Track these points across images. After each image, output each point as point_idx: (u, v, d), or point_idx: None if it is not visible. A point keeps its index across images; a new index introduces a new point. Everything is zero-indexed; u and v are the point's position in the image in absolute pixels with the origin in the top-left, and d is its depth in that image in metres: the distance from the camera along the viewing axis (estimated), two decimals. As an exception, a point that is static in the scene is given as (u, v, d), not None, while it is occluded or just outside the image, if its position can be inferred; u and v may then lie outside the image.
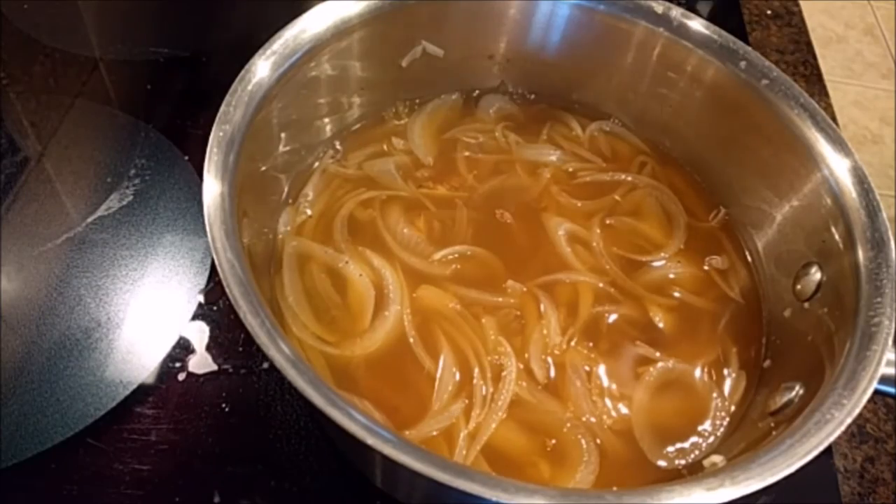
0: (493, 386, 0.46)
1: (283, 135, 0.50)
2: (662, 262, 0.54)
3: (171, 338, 0.52)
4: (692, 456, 0.46)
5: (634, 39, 0.56)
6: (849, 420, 0.36)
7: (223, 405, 0.49)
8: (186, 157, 0.62)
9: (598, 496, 0.34)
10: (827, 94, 0.74)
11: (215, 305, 0.54)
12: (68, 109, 0.65)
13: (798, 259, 0.49)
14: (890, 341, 0.39)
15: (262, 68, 0.46)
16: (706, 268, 0.54)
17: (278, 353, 0.35)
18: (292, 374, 0.34)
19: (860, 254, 0.43)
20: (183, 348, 0.51)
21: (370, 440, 0.33)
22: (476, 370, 0.47)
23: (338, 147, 0.57)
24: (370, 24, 0.52)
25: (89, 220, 0.58)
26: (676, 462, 0.45)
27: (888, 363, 0.39)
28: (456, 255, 0.53)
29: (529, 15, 0.57)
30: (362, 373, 0.47)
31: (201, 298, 0.54)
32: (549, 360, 0.48)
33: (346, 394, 0.45)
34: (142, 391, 0.49)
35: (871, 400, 0.37)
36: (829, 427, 0.36)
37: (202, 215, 0.39)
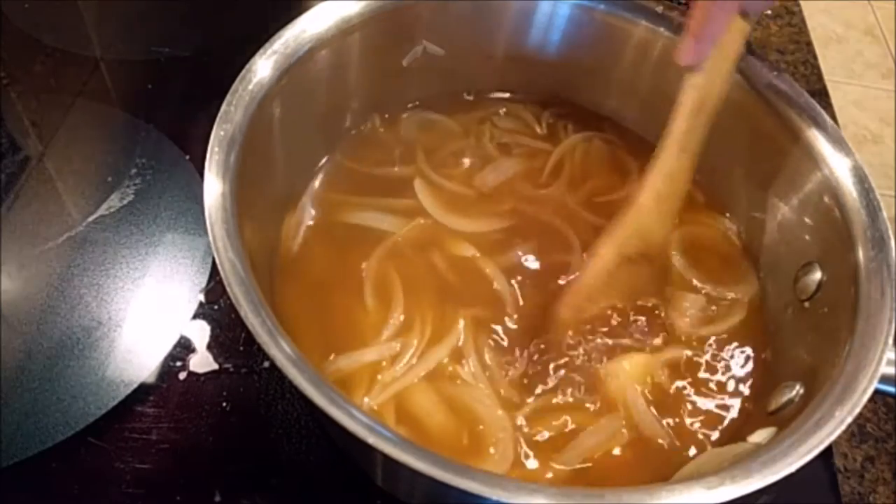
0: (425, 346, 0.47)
1: (283, 134, 0.51)
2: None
3: (172, 337, 0.52)
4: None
5: (634, 39, 0.56)
6: (849, 419, 0.36)
7: (224, 404, 0.49)
8: (187, 157, 0.62)
9: (598, 495, 0.34)
10: (827, 94, 0.74)
11: (216, 304, 0.54)
12: (69, 109, 0.65)
13: (798, 258, 0.49)
14: (890, 341, 0.39)
15: (262, 68, 0.46)
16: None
17: (279, 352, 0.35)
18: (293, 372, 0.34)
19: (860, 253, 0.43)
20: (184, 347, 0.51)
21: (371, 439, 0.33)
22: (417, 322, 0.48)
23: (339, 146, 0.57)
24: (370, 23, 0.52)
25: (90, 219, 0.58)
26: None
27: (888, 363, 0.39)
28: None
29: (529, 14, 0.57)
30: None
31: (202, 297, 0.54)
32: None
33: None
34: (143, 390, 0.49)
35: (871, 399, 0.37)
36: (830, 426, 0.36)
37: (203, 214, 0.39)
